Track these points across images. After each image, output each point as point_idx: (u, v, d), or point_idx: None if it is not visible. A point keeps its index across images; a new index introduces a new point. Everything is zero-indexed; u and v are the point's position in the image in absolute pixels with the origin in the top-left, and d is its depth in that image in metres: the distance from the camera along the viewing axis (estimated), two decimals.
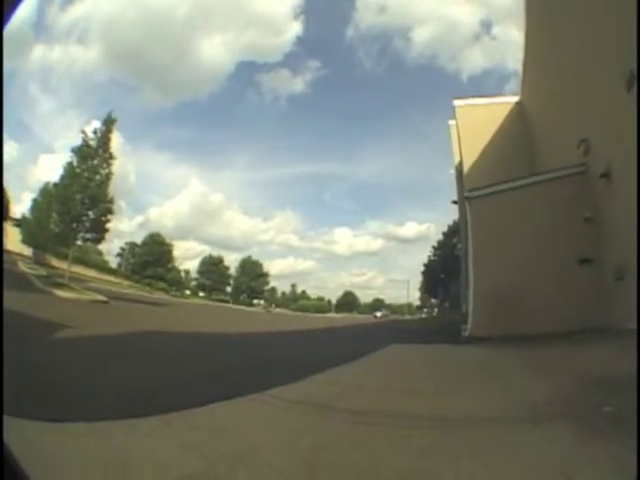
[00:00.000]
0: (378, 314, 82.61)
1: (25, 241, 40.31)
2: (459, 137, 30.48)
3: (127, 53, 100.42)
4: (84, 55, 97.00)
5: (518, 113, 27.69)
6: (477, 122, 28.65)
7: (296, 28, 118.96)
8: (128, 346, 10.12)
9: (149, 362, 8.27)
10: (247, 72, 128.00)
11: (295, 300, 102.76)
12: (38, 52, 79.81)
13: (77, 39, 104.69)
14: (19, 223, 39.33)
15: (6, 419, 2.08)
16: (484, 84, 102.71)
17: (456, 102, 31.38)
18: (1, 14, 1.84)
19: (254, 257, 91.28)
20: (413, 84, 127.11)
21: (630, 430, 3.71)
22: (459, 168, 31.35)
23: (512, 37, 76.33)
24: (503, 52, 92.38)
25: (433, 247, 63.77)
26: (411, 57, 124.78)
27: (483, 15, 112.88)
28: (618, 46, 11.88)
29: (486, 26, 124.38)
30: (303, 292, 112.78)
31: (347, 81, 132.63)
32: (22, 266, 31.34)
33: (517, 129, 26.98)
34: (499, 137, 27.59)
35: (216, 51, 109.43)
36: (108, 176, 27.99)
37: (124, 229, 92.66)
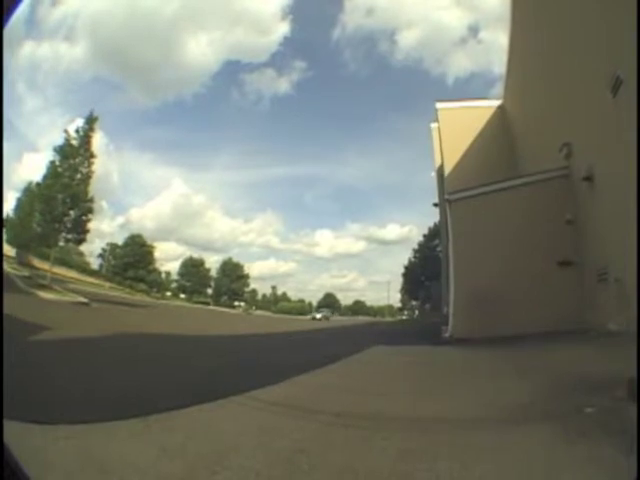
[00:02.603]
0: (318, 315, 67.63)
1: (9, 241, 39.45)
2: (440, 140, 30.66)
3: (113, 51, 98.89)
4: (71, 52, 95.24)
5: (500, 116, 27.97)
6: (459, 125, 28.86)
7: (283, 28, 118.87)
8: (107, 348, 10.08)
9: (128, 364, 8.22)
10: (232, 72, 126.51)
11: (276, 302, 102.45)
12: (27, 48, 77.98)
13: (65, 36, 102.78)
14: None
15: None
16: (469, 88, 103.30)
17: (438, 105, 31.58)
18: (1, 14, 1.88)
19: (235, 259, 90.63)
20: (398, 87, 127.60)
21: (612, 431, 3.64)
22: (440, 171, 31.54)
23: (498, 41, 76.84)
24: (489, 56, 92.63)
25: (413, 249, 64.31)
26: (397, 60, 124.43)
27: (470, 19, 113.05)
28: (602, 50, 11.96)
29: (473, 30, 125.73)
30: (284, 294, 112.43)
31: (332, 83, 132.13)
32: (6, 266, 30.76)
33: (499, 132, 27.23)
34: (481, 140, 27.82)
35: (202, 50, 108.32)
36: (89, 175, 27.81)
37: (105, 230, 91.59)
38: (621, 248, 10.20)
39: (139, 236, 70.75)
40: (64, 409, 4.52)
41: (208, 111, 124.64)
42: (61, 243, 29.19)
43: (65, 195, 26.19)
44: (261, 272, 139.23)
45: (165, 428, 4.14)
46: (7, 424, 2.04)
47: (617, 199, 11.06)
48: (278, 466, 3.34)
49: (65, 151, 26.95)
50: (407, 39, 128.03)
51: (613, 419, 4.07)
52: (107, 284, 54.41)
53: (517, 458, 3.44)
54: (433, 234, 54.07)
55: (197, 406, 5.02)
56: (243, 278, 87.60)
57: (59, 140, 27.46)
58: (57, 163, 26.93)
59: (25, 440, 3.11)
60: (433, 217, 46.69)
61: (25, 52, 74.79)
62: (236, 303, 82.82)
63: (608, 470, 3.00)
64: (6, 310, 10.04)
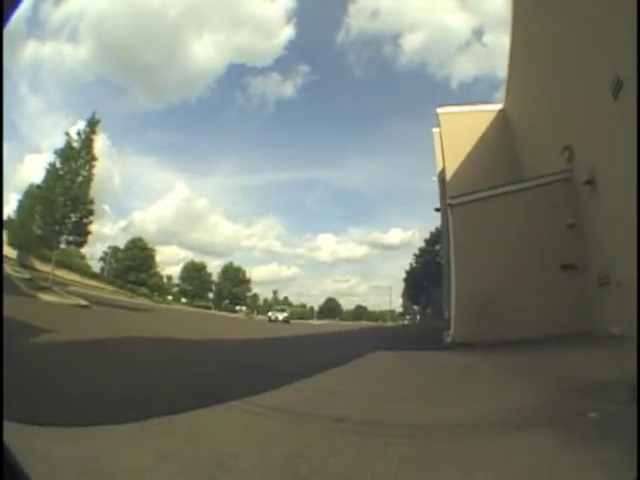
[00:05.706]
0: (280, 316, 52.47)
1: (10, 243, 39.52)
2: (442, 144, 30.64)
3: (117, 53, 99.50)
4: (74, 54, 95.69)
5: (502, 120, 27.94)
6: (460, 129, 28.87)
7: (287, 32, 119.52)
8: (108, 351, 10.12)
9: (127, 367, 8.20)
10: (236, 76, 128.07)
11: None
12: (30, 50, 78.24)
13: (68, 37, 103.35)
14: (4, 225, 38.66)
15: None
16: (474, 91, 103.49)
17: (439, 110, 31.60)
18: (1, 14, 1.86)
19: (237, 263, 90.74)
20: (402, 91, 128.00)
21: (616, 435, 3.59)
22: (442, 175, 31.50)
23: (502, 44, 76.78)
24: (493, 59, 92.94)
25: (415, 254, 64.14)
26: (401, 63, 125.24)
27: (474, 22, 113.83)
28: (602, 52, 11.95)
29: (476, 33, 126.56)
30: (285, 298, 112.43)
31: (335, 87, 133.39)
32: (7, 268, 30.74)
33: (501, 136, 27.21)
34: (482, 144, 27.81)
35: (206, 53, 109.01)
36: (90, 178, 27.83)
37: (107, 233, 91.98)
38: (623, 251, 10.14)
39: (141, 240, 70.83)
40: (64, 411, 4.53)
41: (212, 115, 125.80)
42: (63, 245, 29.14)
43: (66, 198, 26.24)
44: (263, 276, 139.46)
45: (164, 432, 4.12)
46: (7, 425, 2.02)
47: (619, 202, 11.02)
48: (277, 472, 3.31)
49: (66, 153, 26.97)
50: (411, 43, 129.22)
51: (616, 423, 4.01)
52: (108, 287, 54.32)
53: (520, 464, 3.38)
54: (434, 239, 53.98)
55: (196, 410, 4.98)
56: (245, 282, 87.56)
57: (61, 142, 27.56)
58: (58, 165, 26.97)
59: (26, 441, 3.07)
60: (436, 222, 46.55)
61: (28, 53, 75.34)
62: (237, 307, 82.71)
63: (610, 475, 2.93)
64: (7, 312, 10.04)
